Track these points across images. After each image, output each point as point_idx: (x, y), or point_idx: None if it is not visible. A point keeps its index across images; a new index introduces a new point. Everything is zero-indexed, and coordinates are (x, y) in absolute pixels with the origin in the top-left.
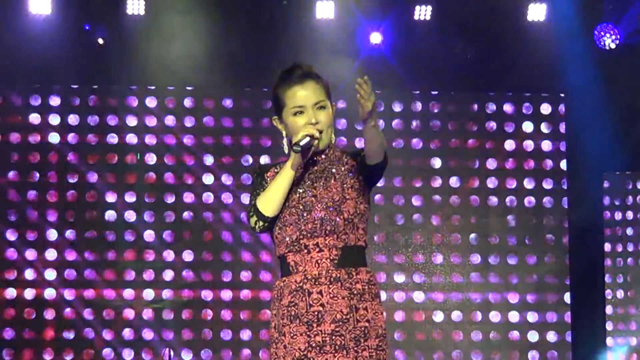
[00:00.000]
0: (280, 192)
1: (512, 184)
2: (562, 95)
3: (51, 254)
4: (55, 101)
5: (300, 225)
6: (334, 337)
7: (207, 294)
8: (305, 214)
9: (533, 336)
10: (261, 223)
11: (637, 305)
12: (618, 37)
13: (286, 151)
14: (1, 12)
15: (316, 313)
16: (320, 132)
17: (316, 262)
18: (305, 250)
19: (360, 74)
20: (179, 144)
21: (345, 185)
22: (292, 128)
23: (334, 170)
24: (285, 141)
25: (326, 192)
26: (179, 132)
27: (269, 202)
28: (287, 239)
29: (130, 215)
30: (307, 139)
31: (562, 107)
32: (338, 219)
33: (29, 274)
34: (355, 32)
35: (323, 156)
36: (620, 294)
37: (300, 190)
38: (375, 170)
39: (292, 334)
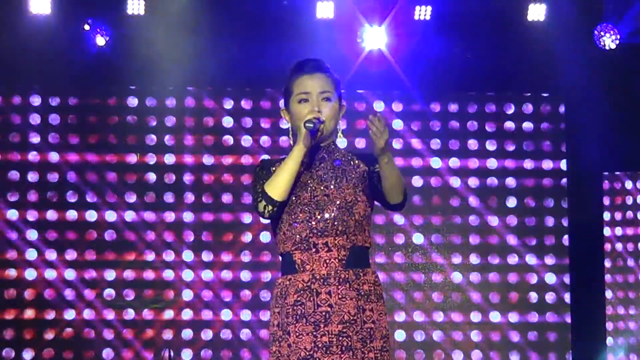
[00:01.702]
0: (290, 174)
1: (512, 183)
2: (562, 95)
3: (51, 255)
4: (55, 101)
5: (312, 224)
6: (340, 338)
7: (207, 294)
8: (317, 213)
9: (533, 336)
10: (270, 207)
11: (637, 305)
12: (618, 37)
13: (291, 142)
14: (1, 12)
15: (324, 313)
16: (324, 121)
17: (324, 262)
18: (314, 249)
19: (360, 74)
20: (179, 144)
21: (357, 188)
22: (296, 116)
23: (345, 170)
24: (290, 133)
25: (339, 192)
26: (179, 132)
27: (278, 185)
28: (297, 236)
29: (130, 216)
30: (315, 119)
31: (562, 107)
32: (350, 220)
33: (30, 274)
34: (355, 32)
35: (329, 153)
36: (620, 294)
37: (311, 188)
38: (392, 208)
39: (297, 333)
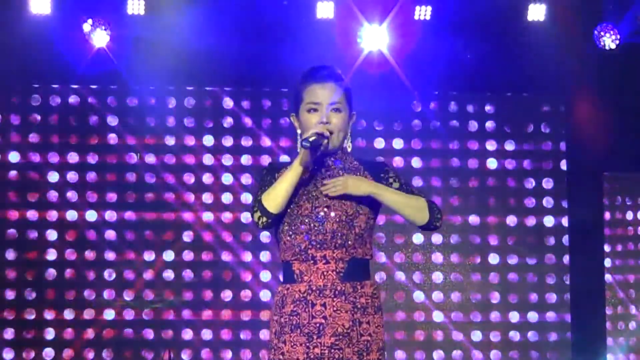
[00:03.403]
0: (286, 189)
1: (512, 184)
2: (562, 95)
3: (51, 255)
4: (55, 101)
5: (311, 236)
6: (332, 351)
7: (207, 294)
8: (317, 225)
9: (533, 336)
10: (264, 219)
11: (637, 305)
12: (618, 37)
13: (299, 149)
14: (1, 12)
15: (317, 325)
16: (331, 133)
17: (322, 274)
18: (312, 261)
19: (360, 74)
20: (179, 144)
21: (360, 201)
22: (305, 125)
23: None
24: (299, 139)
25: (340, 204)
26: (179, 132)
27: (274, 198)
28: (296, 247)
29: (129, 216)
30: (316, 136)
31: (562, 107)
32: (349, 234)
33: (30, 275)
34: (355, 32)
35: (335, 162)
36: (620, 294)
37: (314, 198)
38: (423, 229)
39: (292, 343)
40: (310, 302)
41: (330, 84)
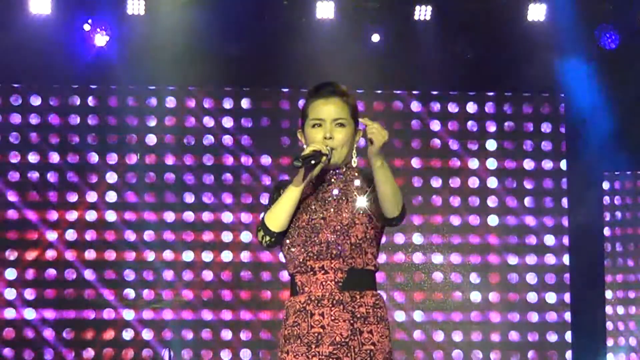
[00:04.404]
0: (286, 207)
1: (512, 183)
2: (562, 95)
3: (51, 254)
4: (55, 101)
5: (307, 247)
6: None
7: (207, 294)
8: (312, 236)
9: (533, 336)
10: (267, 238)
11: (637, 305)
12: (618, 37)
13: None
14: (1, 12)
15: (316, 334)
16: (332, 149)
17: (321, 284)
18: (311, 272)
19: (360, 74)
20: (179, 144)
21: (357, 210)
22: (309, 140)
23: (348, 193)
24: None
25: (336, 214)
26: (179, 132)
27: (275, 217)
28: (296, 260)
29: (130, 216)
30: (311, 154)
31: (562, 107)
32: (345, 244)
33: (30, 274)
34: (355, 32)
35: (338, 176)
36: (620, 294)
37: (312, 211)
38: (389, 223)
39: (294, 353)
40: (309, 312)
41: (334, 99)
